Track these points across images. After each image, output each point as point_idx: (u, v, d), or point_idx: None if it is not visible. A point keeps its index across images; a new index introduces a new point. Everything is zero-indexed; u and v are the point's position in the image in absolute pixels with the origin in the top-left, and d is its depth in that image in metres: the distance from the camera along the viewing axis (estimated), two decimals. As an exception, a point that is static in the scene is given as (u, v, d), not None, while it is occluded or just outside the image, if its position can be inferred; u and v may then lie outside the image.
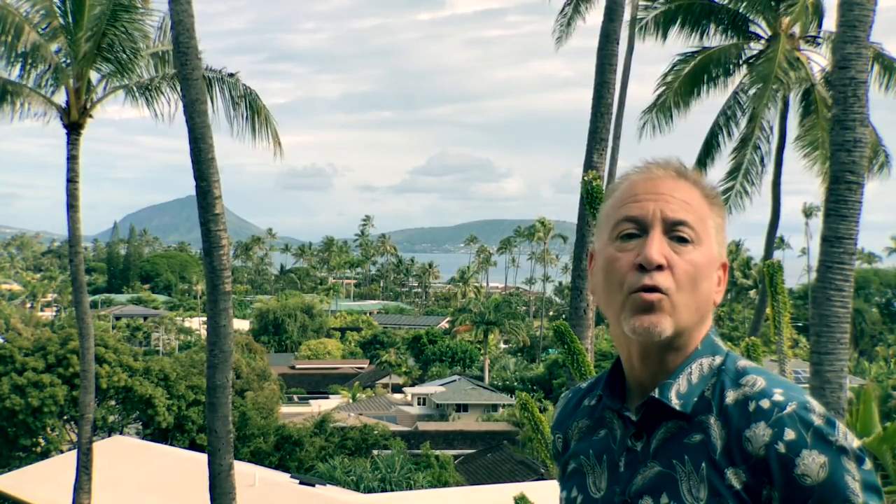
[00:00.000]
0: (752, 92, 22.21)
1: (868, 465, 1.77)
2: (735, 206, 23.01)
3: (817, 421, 1.75)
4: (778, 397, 1.78)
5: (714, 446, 1.80)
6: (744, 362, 1.88)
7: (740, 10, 23.09)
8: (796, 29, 22.84)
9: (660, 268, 1.81)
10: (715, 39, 23.34)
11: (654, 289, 1.81)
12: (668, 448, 1.84)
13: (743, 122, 23.39)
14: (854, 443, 1.76)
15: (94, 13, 19.86)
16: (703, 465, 1.79)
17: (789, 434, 1.74)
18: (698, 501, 1.78)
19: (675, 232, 1.84)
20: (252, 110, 19.00)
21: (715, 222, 1.89)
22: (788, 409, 1.76)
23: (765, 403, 1.78)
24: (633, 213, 1.85)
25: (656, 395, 1.85)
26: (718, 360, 1.88)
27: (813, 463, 1.73)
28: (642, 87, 23.34)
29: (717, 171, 24.00)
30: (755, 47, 23.21)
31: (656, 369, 1.88)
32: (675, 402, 1.84)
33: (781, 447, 1.74)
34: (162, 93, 20.88)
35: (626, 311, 1.83)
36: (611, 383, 1.97)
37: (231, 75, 19.26)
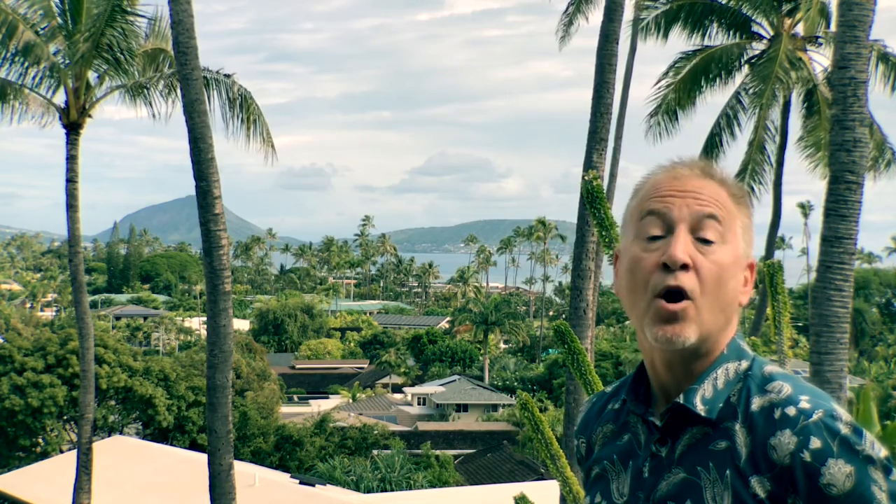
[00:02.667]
0: (752, 91, 22.16)
1: (895, 475, 1.72)
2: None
3: (844, 429, 1.71)
4: (804, 405, 1.74)
5: (739, 453, 1.76)
6: (771, 367, 1.83)
7: (742, 10, 23.04)
8: (800, 29, 22.80)
9: (685, 267, 1.77)
10: (717, 39, 23.29)
11: (678, 294, 1.77)
12: (692, 454, 1.81)
13: (745, 123, 23.36)
14: (881, 452, 1.72)
15: (91, 13, 19.83)
16: (728, 472, 1.75)
17: (815, 442, 1.70)
18: None
19: (700, 232, 1.80)
20: (246, 112, 18.96)
21: (742, 222, 1.85)
22: (815, 416, 1.72)
23: (790, 411, 1.73)
24: (656, 207, 1.82)
25: (681, 401, 1.81)
26: (745, 364, 1.84)
27: (839, 472, 1.68)
28: (644, 87, 23.29)
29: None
30: (757, 47, 23.16)
31: (681, 375, 1.84)
32: (700, 408, 1.80)
33: (807, 456, 1.70)
34: (158, 92, 20.85)
35: (649, 317, 1.79)
36: (635, 387, 1.92)
37: (227, 76, 19.24)
